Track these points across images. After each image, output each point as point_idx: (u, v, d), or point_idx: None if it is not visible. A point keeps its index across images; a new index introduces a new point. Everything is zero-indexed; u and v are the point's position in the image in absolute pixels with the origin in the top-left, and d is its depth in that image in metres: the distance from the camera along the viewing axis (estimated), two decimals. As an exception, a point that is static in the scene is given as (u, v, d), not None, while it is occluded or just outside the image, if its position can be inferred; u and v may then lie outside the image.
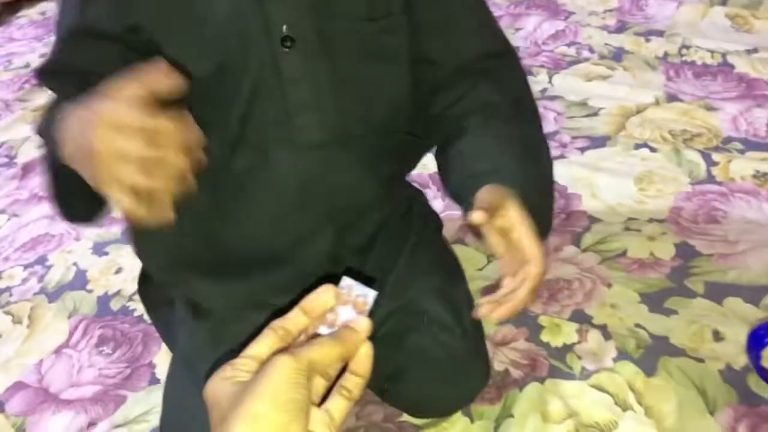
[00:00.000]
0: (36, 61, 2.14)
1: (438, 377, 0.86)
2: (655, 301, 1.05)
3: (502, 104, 0.77)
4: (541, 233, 0.65)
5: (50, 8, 2.51)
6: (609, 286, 1.09)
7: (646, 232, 1.19)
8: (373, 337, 0.52)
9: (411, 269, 0.90)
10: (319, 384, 0.50)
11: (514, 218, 0.62)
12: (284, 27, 0.72)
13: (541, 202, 0.71)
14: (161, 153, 0.52)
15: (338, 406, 0.50)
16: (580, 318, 1.05)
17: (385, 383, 0.90)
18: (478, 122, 0.76)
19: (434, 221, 1.04)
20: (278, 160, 0.77)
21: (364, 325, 0.51)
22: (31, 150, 1.70)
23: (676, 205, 1.24)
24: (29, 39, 2.33)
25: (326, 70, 0.74)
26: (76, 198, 0.69)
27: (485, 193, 0.65)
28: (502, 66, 0.81)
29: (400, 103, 0.80)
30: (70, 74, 0.72)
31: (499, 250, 0.64)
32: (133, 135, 0.51)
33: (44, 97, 1.91)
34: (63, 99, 0.67)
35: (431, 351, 0.85)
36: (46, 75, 0.76)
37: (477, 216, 0.58)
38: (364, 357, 0.51)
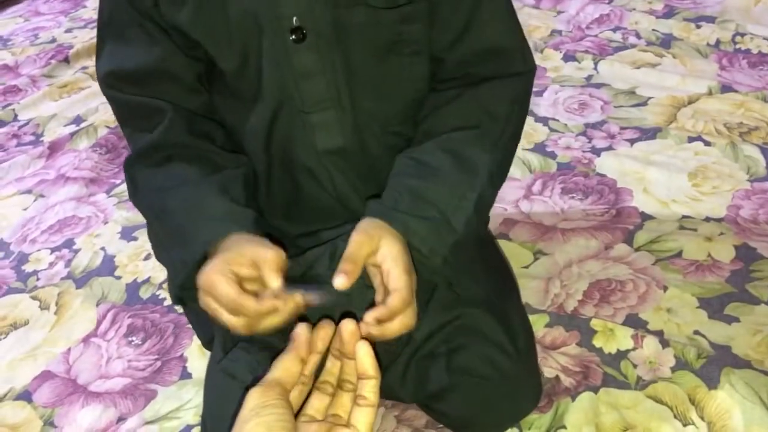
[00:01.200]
0: (61, 36, 2.10)
1: (488, 399, 0.80)
2: (714, 306, 0.99)
3: (467, 127, 0.75)
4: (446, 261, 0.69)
5: (77, -19, 2.46)
6: (665, 289, 1.03)
7: (702, 232, 1.12)
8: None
9: (458, 280, 0.85)
10: (297, 392, 0.55)
11: (382, 256, 0.64)
12: (294, 19, 0.69)
13: (441, 236, 0.70)
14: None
15: (361, 416, 0.53)
16: (635, 323, 0.99)
17: (431, 401, 0.84)
18: (428, 145, 0.75)
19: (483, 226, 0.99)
20: (298, 166, 0.77)
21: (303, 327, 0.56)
22: (58, 128, 1.66)
23: (734, 203, 1.17)
24: (56, 13, 2.28)
25: (342, 64, 0.72)
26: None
27: (359, 234, 0.65)
28: (501, 72, 0.77)
29: (420, 99, 0.77)
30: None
31: (375, 281, 0.66)
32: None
33: (69, 72, 1.87)
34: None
35: (482, 371, 0.78)
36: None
37: (338, 281, 0.60)
38: (363, 357, 0.54)
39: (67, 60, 1.95)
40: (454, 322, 0.81)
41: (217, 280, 0.61)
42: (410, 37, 0.73)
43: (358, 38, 0.71)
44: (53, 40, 2.08)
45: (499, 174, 0.78)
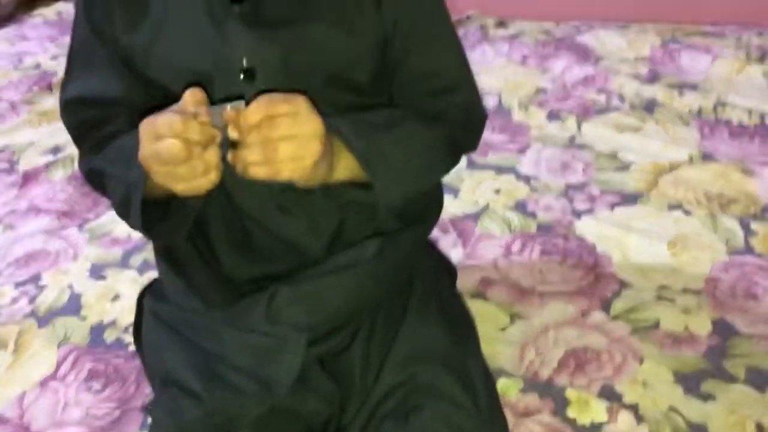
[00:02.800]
0: (46, 62, 2.08)
1: None
2: (691, 382, 0.98)
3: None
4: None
5: (66, 9, 2.46)
6: (641, 360, 1.02)
7: (680, 303, 1.12)
8: None
9: (415, 334, 0.83)
10: None
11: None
12: (244, 60, 0.73)
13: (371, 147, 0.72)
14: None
15: None
16: (610, 395, 0.97)
17: None
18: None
19: (445, 273, 0.97)
20: (247, 208, 0.79)
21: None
22: (35, 157, 1.63)
23: (712, 275, 1.17)
24: (42, 38, 2.27)
25: None
26: (163, 221, 0.76)
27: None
28: (447, 99, 0.82)
29: None
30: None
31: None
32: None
33: (50, 100, 1.85)
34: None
35: None
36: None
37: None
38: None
39: (50, 87, 1.93)
40: (412, 381, 0.79)
41: (150, 121, 0.64)
42: (354, 81, 0.77)
43: (305, 75, 0.74)
44: (37, 66, 2.07)
45: (428, 149, 0.79)
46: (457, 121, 0.82)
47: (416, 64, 0.80)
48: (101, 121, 0.79)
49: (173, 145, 0.61)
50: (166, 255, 0.88)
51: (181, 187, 0.64)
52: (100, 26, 0.77)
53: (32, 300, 1.20)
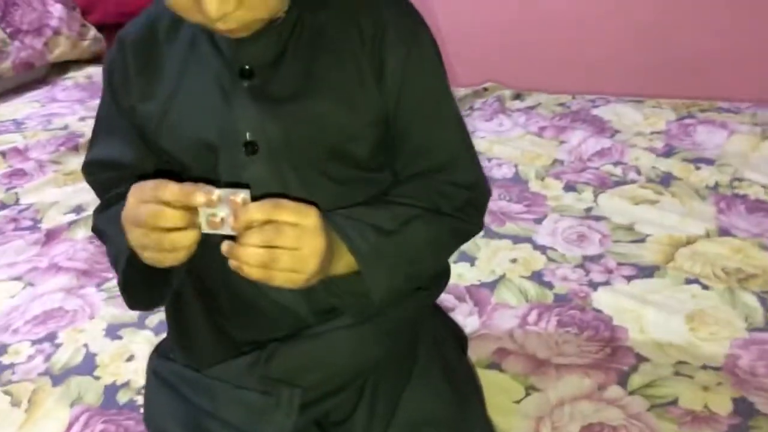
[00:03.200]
0: (74, 124, 2.14)
1: None
2: (711, 464, 0.96)
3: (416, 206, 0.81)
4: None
5: (96, 72, 2.54)
6: (659, 439, 1.00)
7: (699, 380, 1.10)
8: None
9: (419, 401, 0.83)
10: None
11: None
12: (248, 134, 0.75)
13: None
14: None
15: None
16: (628, 474, 0.95)
17: None
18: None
19: (454, 339, 0.97)
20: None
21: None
22: (57, 216, 1.66)
23: (731, 352, 1.15)
24: (72, 101, 2.34)
25: (294, 177, 0.76)
26: (142, 286, 0.79)
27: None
28: (450, 179, 0.83)
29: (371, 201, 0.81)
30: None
31: None
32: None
33: (76, 161, 1.89)
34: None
35: None
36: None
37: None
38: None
39: (76, 148, 1.98)
40: None
41: (142, 184, 0.67)
42: (355, 155, 0.79)
43: (306, 149, 0.76)
44: (66, 127, 2.12)
45: (431, 245, 0.80)
46: (460, 206, 0.82)
47: (417, 140, 0.81)
48: (114, 183, 0.83)
49: (151, 207, 0.64)
50: (173, 311, 0.89)
51: (147, 256, 0.67)
52: (119, 95, 0.82)
53: (48, 358, 1.21)
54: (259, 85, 0.76)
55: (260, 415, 0.76)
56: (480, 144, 1.88)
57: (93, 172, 0.87)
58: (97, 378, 1.16)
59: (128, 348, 1.22)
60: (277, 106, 0.75)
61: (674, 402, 1.06)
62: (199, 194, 0.63)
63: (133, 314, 1.31)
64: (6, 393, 1.14)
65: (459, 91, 2.25)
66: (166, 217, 0.63)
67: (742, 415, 1.03)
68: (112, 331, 1.27)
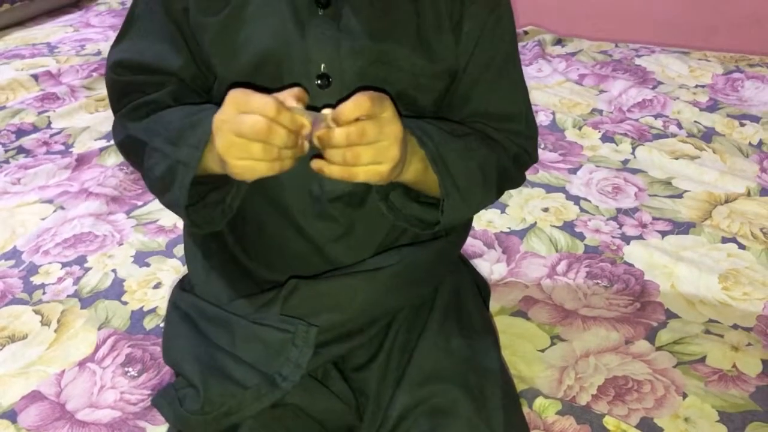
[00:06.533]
0: (107, 50, 2.11)
1: None
2: (736, 424, 0.94)
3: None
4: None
5: (130, -1, 2.51)
6: (684, 396, 0.99)
7: (729, 340, 1.08)
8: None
9: (433, 351, 0.81)
10: None
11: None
12: (322, 66, 0.73)
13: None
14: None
15: None
16: (650, 428, 0.94)
17: None
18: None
19: (474, 289, 0.95)
20: (281, 211, 0.79)
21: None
22: (89, 141, 1.66)
23: (765, 313, 1.13)
24: (105, 27, 2.32)
25: None
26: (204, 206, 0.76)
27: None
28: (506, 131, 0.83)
29: None
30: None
31: None
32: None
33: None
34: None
35: None
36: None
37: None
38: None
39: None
40: (427, 402, 0.77)
41: (243, 93, 0.62)
42: (420, 103, 0.78)
43: (375, 89, 0.73)
44: (98, 53, 2.11)
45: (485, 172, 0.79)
46: (511, 152, 0.82)
47: (483, 101, 0.81)
48: (147, 86, 0.79)
49: (259, 121, 0.60)
50: (199, 242, 0.88)
51: (241, 164, 0.63)
52: (171, 1, 0.77)
53: (77, 281, 1.22)
54: (335, 17, 0.74)
55: (276, 351, 0.76)
56: (517, 89, 1.83)
57: (122, 72, 0.80)
58: (125, 303, 1.17)
59: (156, 275, 1.23)
60: (355, 42, 0.73)
61: (702, 360, 1.04)
62: (306, 124, 0.62)
63: (161, 242, 1.31)
64: (37, 312, 1.16)
65: (498, 34, 2.19)
66: (281, 136, 0.61)
67: (772, 377, 1.01)
68: (140, 258, 1.28)
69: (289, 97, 0.63)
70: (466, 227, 0.94)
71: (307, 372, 0.76)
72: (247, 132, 0.61)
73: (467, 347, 0.83)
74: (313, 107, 0.65)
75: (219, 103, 0.66)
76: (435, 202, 0.75)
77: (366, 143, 0.62)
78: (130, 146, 0.80)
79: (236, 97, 0.63)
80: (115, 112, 0.83)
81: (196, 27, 0.76)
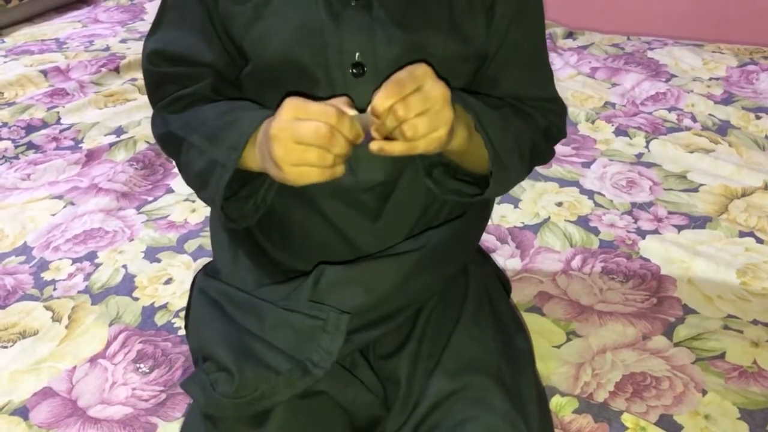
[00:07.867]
0: (115, 45, 2.11)
1: None
2: (757, 421, 0.93)
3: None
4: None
5: (138, -6, 2.49)
6: (703, 392, 0.97)
7: (749, 336, 1.06)
8: None
9: (468, 342, 0.81)
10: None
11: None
12: (357, 54, 0.73)
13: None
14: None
15: None
16: (669, 426, 0.92)
17: None
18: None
19: (498, 284, 0.95)
20: (311, 200, 0.79)
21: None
22: (99, 137, 1.65)
23: (784, 308, 1.11)
24: (113, 22, 2.31)
25: None
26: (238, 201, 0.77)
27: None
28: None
29: None
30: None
31: None
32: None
33: (117, 82, 1.88)
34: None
35: None
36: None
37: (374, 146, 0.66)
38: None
39: (117, 70, 1.96)
40: (461, 393, 0.77)
41: (301, 101, 0.64)
42: (455, 80, 0.76)
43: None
44: (107, 49, 2.10)
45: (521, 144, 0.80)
46: (542, 126, 0.83)
47: (513, 83, 0.82)
48: (184, 78, 0.79)
49: (321, 128, 0.61)
50: (226, 230, 0.88)
51: (296, 171, 0.64)
52: None
53: (87, 277, 1.21)
54: (367, 7, 0.74)
55: (307, 338, 0.75)
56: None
57: (159, 63, 0.81)
58: (136, 299, 1.16)
59: (167, 271, 1.22)
60: (391, 31, 0.74)
61: (721, 356, 1.03)
62: (362, 134, 0.64)
63: (172, 237, 1.31)
64: (47, 308, 1.15)
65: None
66: (341, 143, 0.63)
67: (793, 373, 1.00)
68: (151, 254, 1.27)
69: (344, 104, 0.64)
70: (484, 209, 0.93)
71: (337, 360, 0.75)
72: (309, 138, 0.62)
73: (501, 341, 0.83)
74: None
75: (249, 93, 0.66)
76: (471, 180, 0.77)
77: (417, 115, 0.63)
78: (169, 141, 0.81)
79: (294, 104, 0.64)
80: (152, 101, 0.84)
81: (226, 15, 0.76)
